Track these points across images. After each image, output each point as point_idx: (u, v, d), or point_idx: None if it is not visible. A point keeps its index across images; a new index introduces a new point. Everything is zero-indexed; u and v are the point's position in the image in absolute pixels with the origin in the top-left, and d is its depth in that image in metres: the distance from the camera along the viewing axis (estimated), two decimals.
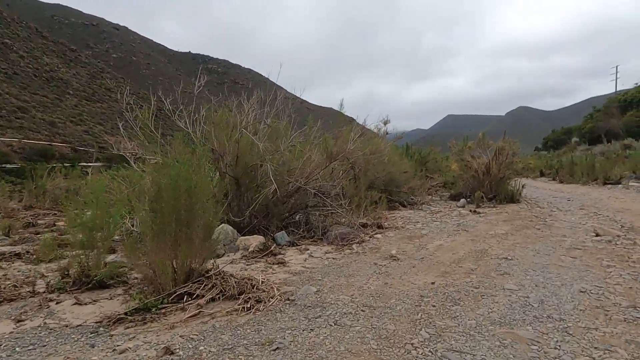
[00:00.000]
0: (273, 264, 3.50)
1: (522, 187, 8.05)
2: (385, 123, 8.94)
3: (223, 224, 4.45)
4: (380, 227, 4.94)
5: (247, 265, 3.52)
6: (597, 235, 4.45)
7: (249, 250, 3.96)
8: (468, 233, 4.57)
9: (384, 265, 3.23)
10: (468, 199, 7.83)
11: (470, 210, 6.21)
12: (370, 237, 4.39)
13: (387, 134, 8.72)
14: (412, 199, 7.67)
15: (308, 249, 4.03)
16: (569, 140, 32.84)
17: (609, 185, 10.15)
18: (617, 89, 41.13)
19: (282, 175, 4.49)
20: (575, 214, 6.41)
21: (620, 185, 9.93)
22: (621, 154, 17.04)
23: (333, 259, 3.55)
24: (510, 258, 3.35)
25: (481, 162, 8.08)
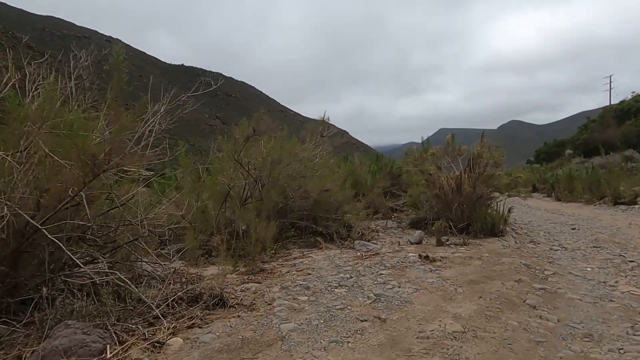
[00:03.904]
0: None
1: (509, 211, 5.68)
2: (322, 122, 6.57)
3: None
4: (221, 303, 2.50)
5: None
6: None
7: None
8: (382, 329, 2.13)
9: None
10: (432, 227, 5.42)
11: (420, 256, 3.78)
12: (148, 348, 1.92)
13: (322, 136, 6.34)
14: (348, 229, 5.23)
15: None
16: (562, 153, 30.77)
17: (622, 206, 7.82)
18: (611, 101, 39.48)
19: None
20: (589, 258, 4.02)
21: (637, 206, 7.59)
22: (623, 167, 14.87)
23: None
24: None
25: (450, 175, 5.71)
